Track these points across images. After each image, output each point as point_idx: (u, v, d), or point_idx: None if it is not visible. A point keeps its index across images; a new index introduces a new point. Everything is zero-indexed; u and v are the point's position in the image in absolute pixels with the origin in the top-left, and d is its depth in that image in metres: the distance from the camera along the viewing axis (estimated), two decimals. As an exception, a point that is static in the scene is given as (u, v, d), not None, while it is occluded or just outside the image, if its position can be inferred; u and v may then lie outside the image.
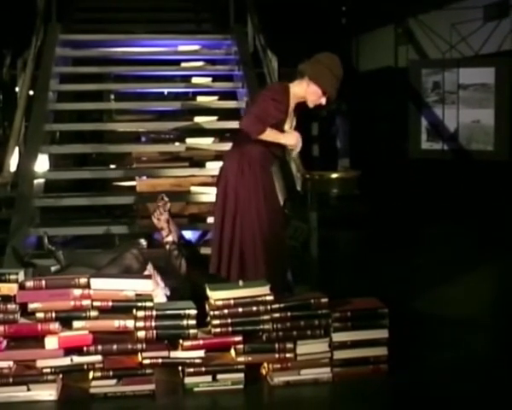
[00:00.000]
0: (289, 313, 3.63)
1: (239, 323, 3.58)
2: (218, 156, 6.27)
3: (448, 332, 4.38)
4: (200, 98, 7.22)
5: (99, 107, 8.10)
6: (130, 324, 3.53)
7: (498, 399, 3.44)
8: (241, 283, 3.73)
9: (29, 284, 3.52)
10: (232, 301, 3.58)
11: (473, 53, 9.54)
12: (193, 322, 3.53)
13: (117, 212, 6.47)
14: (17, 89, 6.81)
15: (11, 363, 3.45)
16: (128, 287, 3.56)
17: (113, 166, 7.04)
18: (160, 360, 3.53)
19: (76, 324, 3.51)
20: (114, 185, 6.77)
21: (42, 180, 6.10)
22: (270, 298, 3.61)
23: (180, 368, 3.58)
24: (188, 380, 3.52)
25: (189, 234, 5.45)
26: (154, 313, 3.53)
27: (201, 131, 6.62)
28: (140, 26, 8.66)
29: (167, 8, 9.04)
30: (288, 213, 5.02)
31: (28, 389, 3.43)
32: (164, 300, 4.05)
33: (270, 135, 4.19)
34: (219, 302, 3.57)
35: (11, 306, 3.48)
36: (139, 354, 3.52)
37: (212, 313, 3.58)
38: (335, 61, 4.28)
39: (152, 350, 3.52)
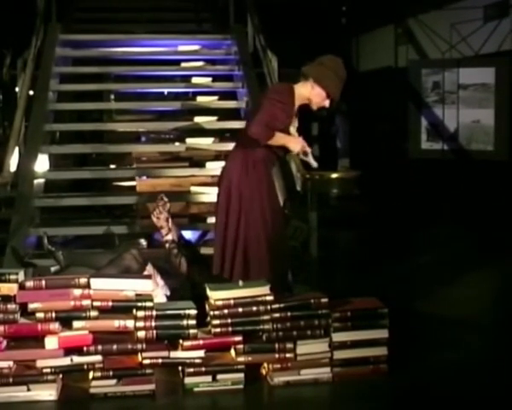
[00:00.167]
0: (289, 313, 3.62)
1: (239, 323, 3.58)
2: (217, 156, 6.29)
3: (448, 332, 4.38)
4: (200, 98, 7.22)
5: (99, 107, 8.11)
6: (130, 324, 3.53)
7: (498, 399, 3.43)
8: (241, 283, 3.73)
9: (29, 284, 3.52)
10: (232, 301, 3.58)
11: (473, 53, 9.54)
12: (193, 322, 3.53)
13: (117, 212, 6.48)
14: (17, 89, 6.81)
15: (11, 363, 3.45)
16: (128, 287, 3.56)
17: (113, 166, 7.05)
18: (160, 360, 3.53)
19: (76, 324, 3.51)
20: (114, 185, 6.77)
21: (42, 180, 6.10)
22: (270, 298, 3.61)
23: (180, 368, 3.58)
24: (188, 380, 3.52)
25: (188, 234, 5.45)
26: (154, 313, 3.53)
27: (201, 131, 6.63)
28: (140, 26, 8.66)
29: (167, 8, 9.04)
30: (287, 213, 5.03)
31: (28, 389, 3.43)
32: (164, 300, 4.06)
33: (276, 140, 4.20)
34: (219, 302, 3.57)
35: (11, 306, 3.48)
36: (139, 354, 3.52)
37: (212, 313, 3.58)
38: (339, 64, 4.30)
39: (152, 350, 3.52)
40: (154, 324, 3.52)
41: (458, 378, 3.68)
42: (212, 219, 5.25)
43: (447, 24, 9.76)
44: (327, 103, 4.33)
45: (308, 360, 3.64)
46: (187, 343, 3.53)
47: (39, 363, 3.45)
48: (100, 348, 3.49)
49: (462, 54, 9.74)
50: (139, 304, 3.53)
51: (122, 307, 3.55)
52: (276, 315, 3.61)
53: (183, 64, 7.63)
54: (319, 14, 10.92)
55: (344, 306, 3.73)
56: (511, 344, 4.21)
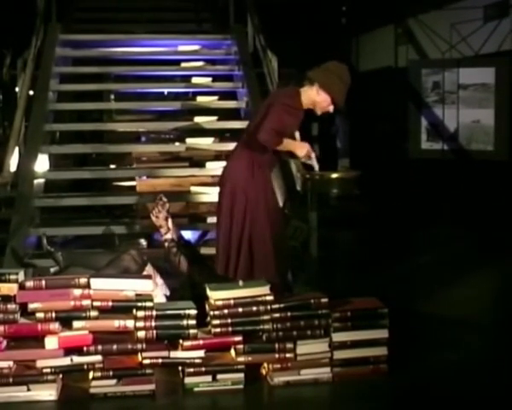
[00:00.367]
0: (289, 313, 3.62)
1: (239, 323, 3.58)
2: (217, 156, 6.29)
3: (448, 332, 4.38)
4: (200, 98, 7.23)
5: (99, 107, 8.11)
6: (130, 324, 3.53)
7: (498, 399, 3.43)
8: (241, 283, 3.73)
9: (29, 284, 3.52)
10: (232, 301, 3.58)
11: (473, 53, 9.53)
12: (193, 322, 3.53)
13: (117, 212, 6.47)
14: (17, 89, 6.81)
15: (11, 363, 3.45)
16: (128, 287, 3.56)
17: (113, 166, 7.05)
18: (159, 360, 3.53)
19: (76, 324, 3.51)
20: (114, 185, 6.77)
21: (42, 180, 6.10)
22: (270, 298, 3.61)
23: (180, 368, 3.58)
24: (188, 380, 3.52)
25: (188, 234, 5.45)
26: (154, 313, 3.53)
27: (201, 131, 6.63)
28: (140, 26, 8.66)
29: (167, 8, 9.04)
30: (287, 213, 5.03)
31: (28, 389, 3.43)
32: (163, 300, 4.06)
33: (283, 145, 4.22)
34: (219, 302, 3.57)
35: (11, 306, 3.47)
36: (139, 354, 3.52)
37: (212, 313, 3.58)
38: (345, 70, 4.33)
39: (152, 350, 3.52)
40: (154, 324, 3.52)
41: (458, 378, 3.68)
42: (212, 219, 5.25)
43: (447, 24, 9.76)
44: (331, 109, 4.37)
45: (308, 360, 3.64)
46: (187, 343, 3.53)
47: (39, 363, 3.45)
48: (100, 348, 3.49)
49: (462, 54, 9.74)
50: (139, 304, 3.53)
51: (122, 307, 3.55)
52: (276, 315, 3.61)
53: (183, 64, 7.63)
54: (319, 14, 10.92)
55: (344, 306, 3.73)
56: (511, 344, 4.21)
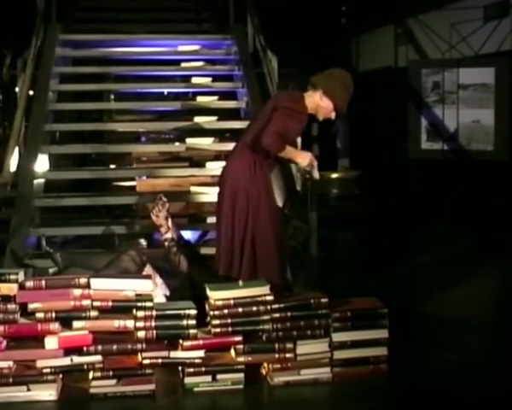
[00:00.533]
0: (289, 313, 3.62)
1: (239, 323, 3.58)
2: (217, 156, 6.29)
3: (448, 332, 4.38)
4: (200, 98, 7.22)
5: (99, 107, 8.11)
6: (130, 324, 3.53)
7: (498, 399, 3.43)
8: (241, 283, 3.74)
9: (29, 283, 3.52)
10: (232, 301, 3.58)
11: (473, 53, 9.54)
12: (193, 322, 3.53)
13: (117, 212, 6.48)
14: (17, 89, 6.81)
15: (11, 363, 3.45)
16: (128, 287, 3.57)
17: (113, 166, 7.05)
18: (159, 360, 3.53)
19: (76, 324, 3.51)
20: (114, 185, 6.77)
21: (42, 180, 6.10)
22: (270, 298, 3.61)
23: (180, 368, 3.58)
24: (188, 380, 3.52)
25: (188, 234, 5.45)
26: (154, 313, 3.53)
27: (201, 131, 6.63)
28: (140, 26, 8.66)
29: (167, 8, 9.04)
30: (288, 213, 5.03)
31: (28, 389, 3.43)
32: (163, 300, 4.05)
33: (286, 153, 4.21)
34: (219, 302, 3.57)
35: (11, 306, 3.48)
36: (139, 354, 3.52)
37: (212, 313, 3.58)
38: (348, 78, 4.33)
39: (152, 350, 3.52)
40: (154, 324, 3.52)
41: (458, 378, 3.68)
42: (212, 219, 5.25)
43: (447, 24, 9.76)
44: (333, 115, 4.36)
45: (308, 360, 3.64)
46: (187, 343, 3.53)
47: (39, 363, 3.45)
48: (100, 348, 3.49)
49: (462, 54, 9.74)
50: (139, 304, 3.53)
51: (122, 307, 3.55)
52: (276, 315, 3.61)
53: (183, 64, 7.63)
54: (319, 14, 10.93)
55: (344, 306, 3.74)
56: (511, 344, 4.21)
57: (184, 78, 7.89)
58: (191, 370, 3.52)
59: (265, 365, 3.66)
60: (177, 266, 4.47)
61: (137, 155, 6.52)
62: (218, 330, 3.57)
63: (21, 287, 3.51)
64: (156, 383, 3.50)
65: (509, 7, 8.76)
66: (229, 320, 3.57)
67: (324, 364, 3.65)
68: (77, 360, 3.48)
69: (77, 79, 7.63)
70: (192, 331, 3.52)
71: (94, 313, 3.53)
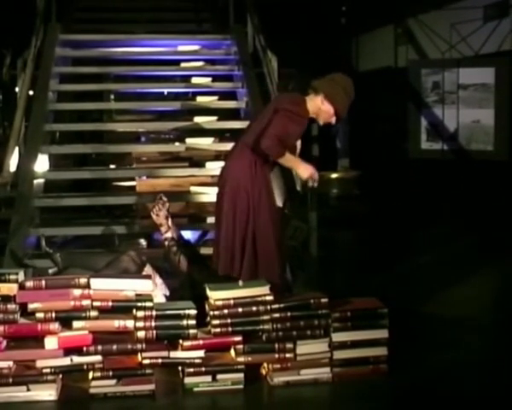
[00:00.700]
0: (289, 313, 3.62)
1: (239, 323, 3.58)
2: (217, 156, 6.29)
3: (448, 332, 4.38)
4: (200, 98, 7.22)
5: (99, 107, 8.11)
6: (130, 324, 3.53)
7: (498, 399, 3.43)
8: (240, 283, 3.74)
9: (29, 284, 3.52)
10: (232, 301, 3.58)
11: (473, 53, 9.54)
12: (193, 322, 3.53)
13: (117, 212, 6.48)
14: (17, 89, 6.81)
15: (11, 363, 3.45)
16: (128, 287, 3.56)
17: (113, 166, 7.05)
18: (159, 360, 3.53)
19: (76, 324, 3.51)
20: (114, 185, 6.77)
21: (42, 180, 6.10)
22: (270, 298, 3.61)
23: (180, 368, 3.58)
24: (188, 380, 3.52)
25: (188, 234, 5.45)
26: (154, 313, 3.53)
27: (201, 131, 6.63)
28: (140, 26, 8.66)
29: (167, 8, 9.05)
30: (288, 213, 5.03)
31: (28, 390, 3.43)
32: (163, 300, 4.05)
33: (286, 160, 4.20)
34: (219, 302, 3.57)
35: (11, 306, 3.48)
36: (139, 354, 3.52)
37: (211, 313, 3.58)
38: (349, 83, 4.34)
39: (152, 350, 3.52)
40: (153, 324, 3.52)
41: (458, 378, 3.68)
42: (212, 219, 5.24)
43: (447, 24, 9.76)
44: (333, 120, 4.36)
45: (308, 360, 3.64)
46: (187, 343, 3.53)
47: (39, 363, 3.45)
48: (100, 348, 3.49)
49: (462, 54, 9.74)
50: (139, 304, 3.53)
51: (122, 307, 3.55)
52: (276, 315, 3.61)
53: (183, 64, 7.63)
54: (319, 14, 10.93)
55: (344, 306, 3.74)
56: (511, 344, 4.21)
57: (184, 78, 7.89)
58: (191, 370, 3.52)
59: (265, 365, 3.66)
60: (176, 266, 4.47)
61: (137, 155, 6.52)
62: (217, 330, 3.57)
63: (21, 287, 3.51)
64: (156, 383, 3.50)
65: (509, 7, 8.76)
66: (229, 320, 3.57)
67: (324, 364, 3.65)
68: (77, 360, 3.48)
69: (77, 79, 7.64)
70: (192, 331, 3.52)
71: (94, 313, 3.53)
